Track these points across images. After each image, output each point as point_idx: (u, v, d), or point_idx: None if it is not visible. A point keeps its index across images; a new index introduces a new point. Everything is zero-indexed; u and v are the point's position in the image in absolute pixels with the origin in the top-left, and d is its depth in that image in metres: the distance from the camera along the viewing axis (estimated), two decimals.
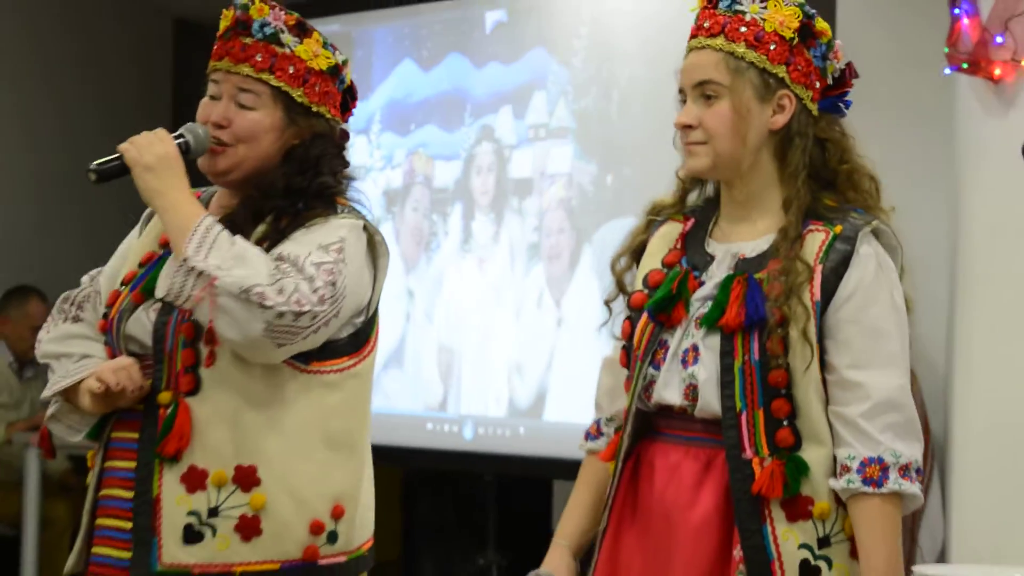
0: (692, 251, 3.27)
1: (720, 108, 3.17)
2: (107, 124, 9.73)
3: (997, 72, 5.24)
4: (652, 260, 3.30)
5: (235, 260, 3.27)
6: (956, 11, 5.49)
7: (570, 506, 3.46)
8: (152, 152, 3.41)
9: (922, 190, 6.25)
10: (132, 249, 3.65)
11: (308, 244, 3.40)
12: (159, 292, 3.31)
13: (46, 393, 3.58)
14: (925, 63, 5.84)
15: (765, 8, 3.20)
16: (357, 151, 7.66)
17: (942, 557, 6.16)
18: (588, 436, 3.45)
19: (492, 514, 6.99)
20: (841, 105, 3.27)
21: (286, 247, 3.39)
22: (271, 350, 3.32)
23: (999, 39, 5.22)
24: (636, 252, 3.36)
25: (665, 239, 3.32)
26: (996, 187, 5.32)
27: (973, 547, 5.44)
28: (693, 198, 3.37)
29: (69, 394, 3.51)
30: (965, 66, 5.43)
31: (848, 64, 3.27)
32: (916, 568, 2.90)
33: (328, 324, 3.39)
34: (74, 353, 3.55)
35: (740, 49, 3.17)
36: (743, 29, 3.18)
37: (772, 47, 3.18)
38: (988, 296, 5.52)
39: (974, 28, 5.40)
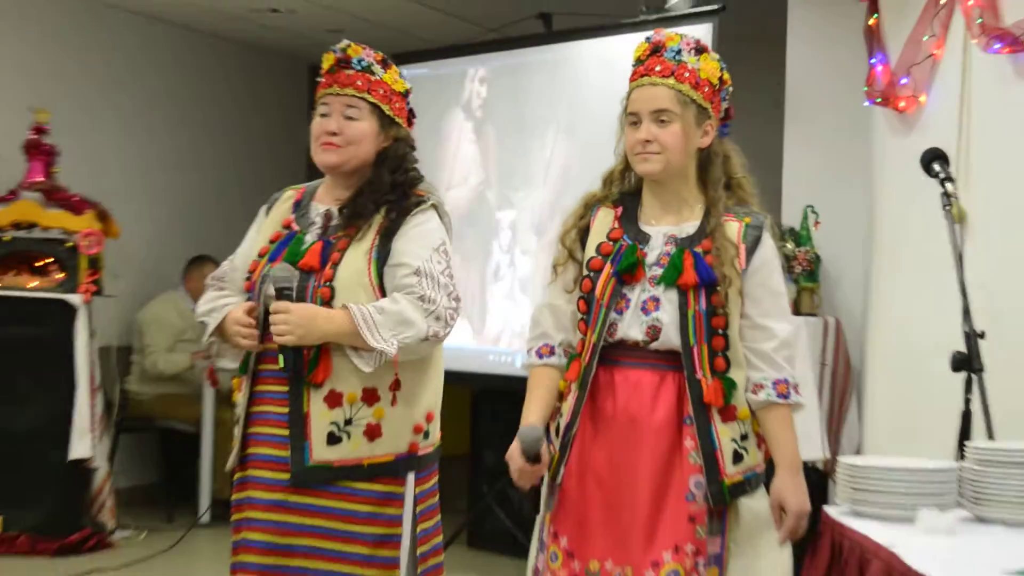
0: (630, 230, 3.38)
1: (673, 129, 3.31)
2: (255, 149, 9.88)
3: (902, 104, 5.23)
4: (599, 235, 3.41)
5: (399, 325, 3.42)
6: (872, 60, 5.52)
7: (532, 399, 3.43)
8: (304, 325, 3.43)
9: (848, 188, 6.25)
10: (261, 231, 3.74)
11: (424, 247, 3.53)
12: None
13: (205, 337, 3.70)
14: (851, 97, 5.86)
15: (699, 61, 3.36)
16: None
17: (857, 454, 6.21)
18: (540, 355, 3.46)
19: None
20: (725, 131, 3.44)
21: (408, 252, 3.52)
22: None
23: (903, 80, 5.22)
24: (582, 231, 3.45)
25: (604, 221, 3.43)
26: (899, 187, 5.34)
27: (880, 446, 5.52)
28: (615, 191, 3.48)
29: (222, 334, 3.63)
30: (879, 100, 5.44)
31: (730, 105, 3.45)
32: (841, 458, 2.97)
33: None
34: (219, 307, 3.65)
35: (686, 88, 3.32)
36: (687, 74, 3.33)
37: (706, 89, 3.35)
38: (890, 263, 5.55)
39: (885, 73, 5.42)
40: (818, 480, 5.78)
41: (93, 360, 7.36)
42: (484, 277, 7.39)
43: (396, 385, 3.52)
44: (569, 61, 7.20)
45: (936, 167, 3.75)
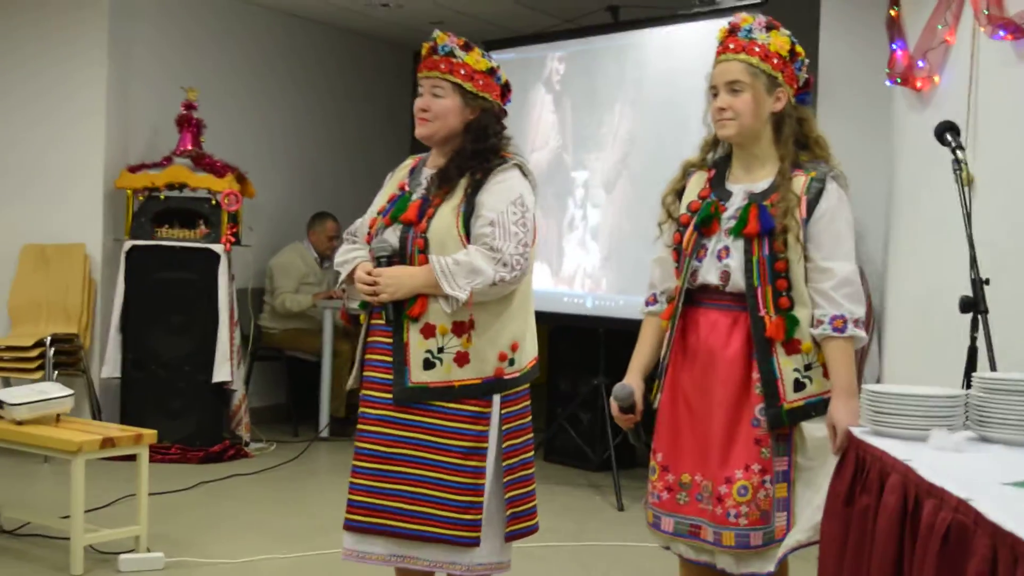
0: (717, 189, 3.35)
1: (744, 97, 3.25)
2: (365, 125, 9.91)
3: (919, 84, 5.16)
4: (691, 195, 3.39)
5: (470, 274, 3.47)
6: (893, 46, 5.44)
7: (638, 348, 3.49)
8: (392, 285, 3.53)
9: (872, 155, 6.17)
10: (384, 193, 3.78)
11: (502, 200, 3.55)
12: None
13: (338, 284, 3.80)
14: (875, 78, 5.79)
15: (769, 37, 3.29)
16: None
17: (878, 383, 6.18)
18: (647, 304, 3.51)
19: (602, 353, 7.02)
20: (805, 98, 3.36)
21: (488, 205, 3.54)
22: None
23: (920, 63, 5.15)
24: (678, 192, 3.43)
25: (697, 183, 3.41)
26: (916, 155, 5.29)
27: (897, 377, 5.48)
28: (710, 157, 3.44)
29: (351, 279, 3.68)
30: (899, 80, 5.37)
31: (809, 75, 3.37)
32: (864, 386, 2.94)
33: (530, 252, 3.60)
34: (350, 260, 3.71)
35: (755, 61, 3.26)
36: (756, 48, 3.27)
37: (775, 60, 3.27)
38: (908, 221, 5.48)
39: (904, 57, 5.35)
40: None
41: (232, 300, 7.46)
42: (560, 228, 7.37)
43: (475, 322, 3.54)
44: (633, 46, 7.14)
45: (948, 137, 3.70)
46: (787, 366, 3.21)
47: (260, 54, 8.98)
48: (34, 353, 7.10)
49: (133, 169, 7.54)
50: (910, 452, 2.52)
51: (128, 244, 7.40)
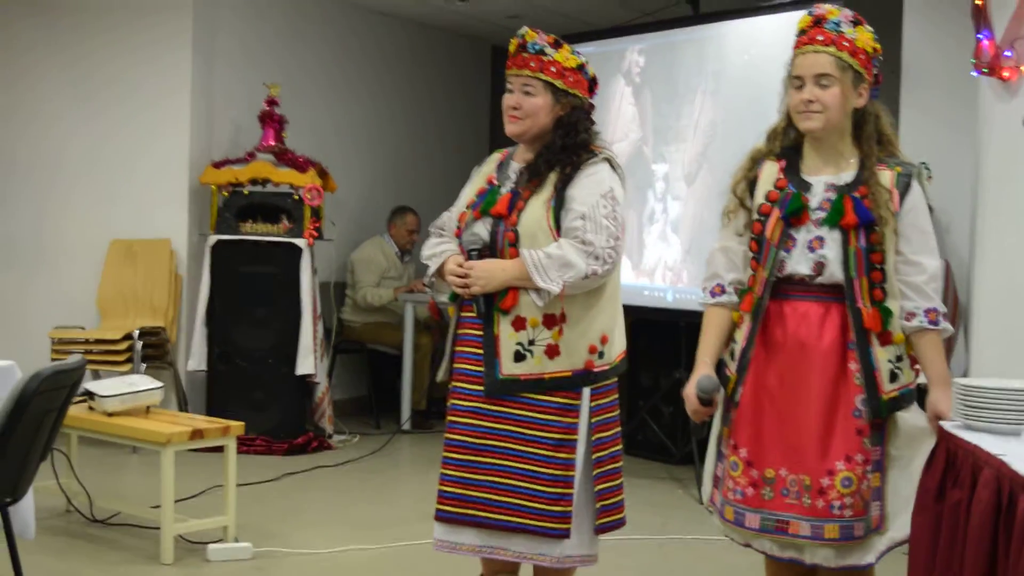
0: (793, 180, 3.30)
1: (834, 91, 3.21)
2: (444, 118, 9.95)
3: (1006, 74, 5.12)
4: (766, 184, 3.33)
5: (562, 268, 3.48)
6: (979, 36, 5.37)
7: (706, 339, 3.41)
8: (483, 278, 3.56)
9: (958, 146, 6.13)
10: (472, 186, 3.80)
11: (593, 193, 3.56)
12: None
13: (426, 277, 3.80)
14: (960, 68, 5.71)
15: (855, 32, 3.25)
16: None
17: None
18: (713, 294, 3.42)
19: (684, 345, 7.00)
20: (875, 93, 3.31)
21: (578, 198, 3.55)
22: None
23: (1007, 53, 5.11)
24: (750, 182, 3.37)
25: (770, 172, 3.35)
26: (1003, 145, 5.23)
27: (984, 372, 5.38)
28: (777, 146, 3.38)
29: (440, 273, 3.71)
30: (985, 71, 5.30)
31: (880, 71, 3.33)
32: (955, 380, 2.91)
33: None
34: (438, 253, 3.73)
35: (846, 56, 3.22)
36: (846, 43, 3.22)
37: (861, 57, 3.24)
38: (994, 213, 5.40)
39: (991, 47, 5.27)
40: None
41: (315, 293, 7.51)
42: (641, 221, 7.35)
43: (566, 315, 3.55)
44: (712, 38, 7.10)
45: None
46: (882, 357, 3.19)
47: (340, 49, 9.05)
48: (122, 346, 7.22)
49: (217, 165, 7.64)
50: (1003, 447, 2.49)
51: (213, 239, 7.51)
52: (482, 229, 3.62)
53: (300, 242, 7.42)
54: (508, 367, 3.55)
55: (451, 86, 10.06)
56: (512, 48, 3.68)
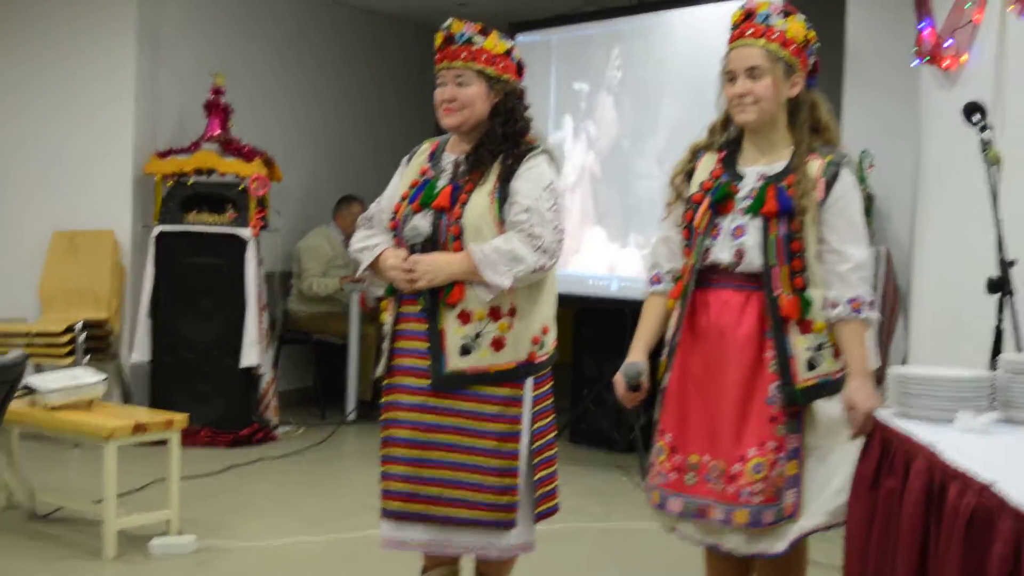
0: (729, 170, 3.35)
1: (765, 82, 3.26)
2: (391, 106, 9.92)
3: (946, 63, 5.16)
4: (702, 175, 3.38)
5: (512, 262, 3.48)
6: (920, 25, 5.43)
7: (642, 326, 3.50)
8: (430, 273, 3.53)
9: (899, 135, 6.18)
10: (403, 178, 3.77)
11: (536, 187, 3.55)
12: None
13: (360, 271, 3.76)
14: (901, 57, 5.76)
15: (786, 22, 3.29)
16: None
17: (904, 363, 6.16)
18: (651, 283, 3.50)
19: (629, 335, 6.98)
20: (813, 82, 3.36)
21: (522, 191, 3.55)
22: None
23: (948, 42, 5.15)
24: (688, 174, 3.42)
25: (707, 164, 3.40)
26: (943, 135, 5.27)
27: (923, 358, 5.44)
28: (719, 140, 3.43)
29: (374, 267, 3.68)
30: (926, 59, 5.36)
31: (816, 59, 3.36)
32: (890, 368, 2.94)
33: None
34: (371, 246, 3.70)
35: (775, 47, 3.27)
36: (775, 35, 3.27)
37: (792, 47, 3.28)
38: (934, 201, 5.47)
39: (931, 36, 5.33)
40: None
41: (260, 284, 7.48)
42: (584, 209, 7.37)
43: (513, 307, 3.55)
44: (657, 26, 7.15)
45: (975, 118, 3.68)
46: (800, 345, 3.22)
47: (286, 38, 9.00)
48: (65, 339, 7.14)
49: (162, 155, 7.57)
50: (936, 435, 2.52)
51: (157, 230, 7.43)
52: (423, 222, 3.59)
53: (245, 233, 7.36)
54: (454, 361, 3.54)
55: (398, 74, 10.02)
56: (439, 41, 3.67)
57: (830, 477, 3.18)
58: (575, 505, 5.71)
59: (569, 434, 7.48)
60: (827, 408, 3.22)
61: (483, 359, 3.54)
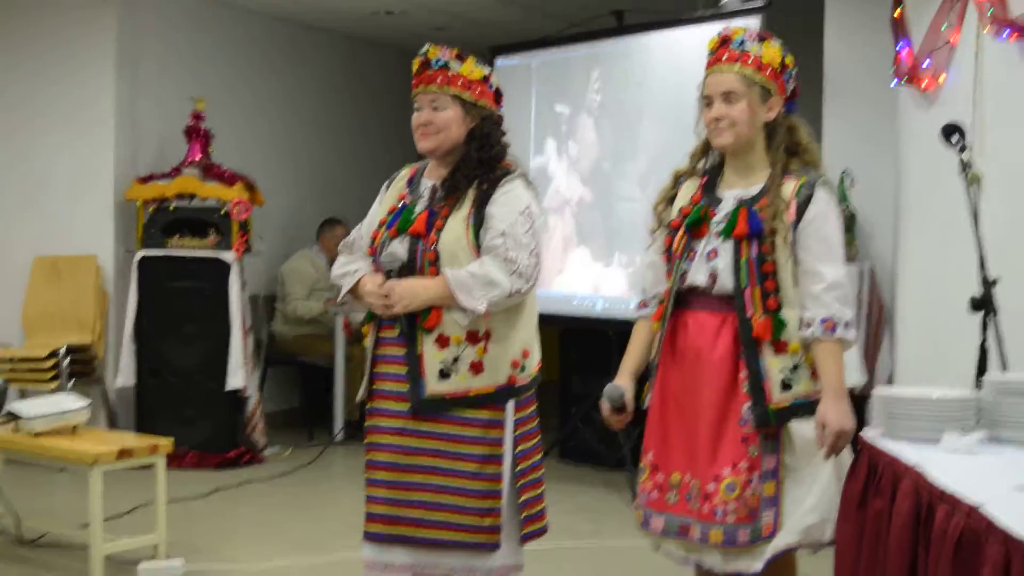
0: (708, 195, 3.38)
1: (741, 106, 3.29)
2: (373, 131, 9.93)
3: (924, 84, 5.19)
4: (682, 201, 3.42)
5: (487, 286, 3.48)
6: (898, 46, 5.45)
7: (629, 350, 3.54)
8: (406, 299, 3.52)
9: (880, 155, 6.20)
10: (383, 204, 3.78)
11: (512, 211, 3.56)
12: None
13: (340, 297, 3.75)
14: (880, 78, 5.79)
15: (761, 47, 3.32)
16: None
17: (889, 382, 6.17)
18: (639, 308, 3.55)
19: (614, 354, 6.96)
20: (792, 107, 3.39)
21: (498, 216, 3.55)
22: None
23: (925, 63, 5.17)
24: (670, 200, 3.47)
25: (689, 190, 3.44)
26: (923, 155, 5.28)
27: (908, 374, 5.49)
28: (701, 165, 3.47)
29: (354, 292, 3.68)
30: (904, 80, 5.39)
31: (797, 84, 3.40)
32: (876, 389, 2.94)
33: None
34: (351, 271, 3.70)
35: (750, 72, 3.30)
36: (750, 60, 3.30)
37: (768, 71, 3.31)
38: (916, 220, 5.48)
39: (909, 56, 5.35)
40: (856, 402, 5.75)
41: (244, 307, 7.47)
42: (566, 231, 7.39)
43: (487, 331, 3.55)
44: (637, 51, 7.17)
45: (954, 139, 3.70)
46: (774, 366, 3.23)
47: (267, 63, 9.01)
48: (48, 364, 7.11)
49: (143, 180, 7.55)
50: (922, 456, 2.53)
51: (140, 254, 7.42)
52: (399, 248, 3.60)
53: (228, 256, 7.35)
54: (433, 385, 3.54)
55: (378, 97, 10.03)
56: (415, 67, 3.68)
57: (804, 496, 3.19)
58: (565, 523, 5.69)
59: (558, 452, 7.48)
60: (804, 429, 3.22)
61: (462, 383, 3.54)
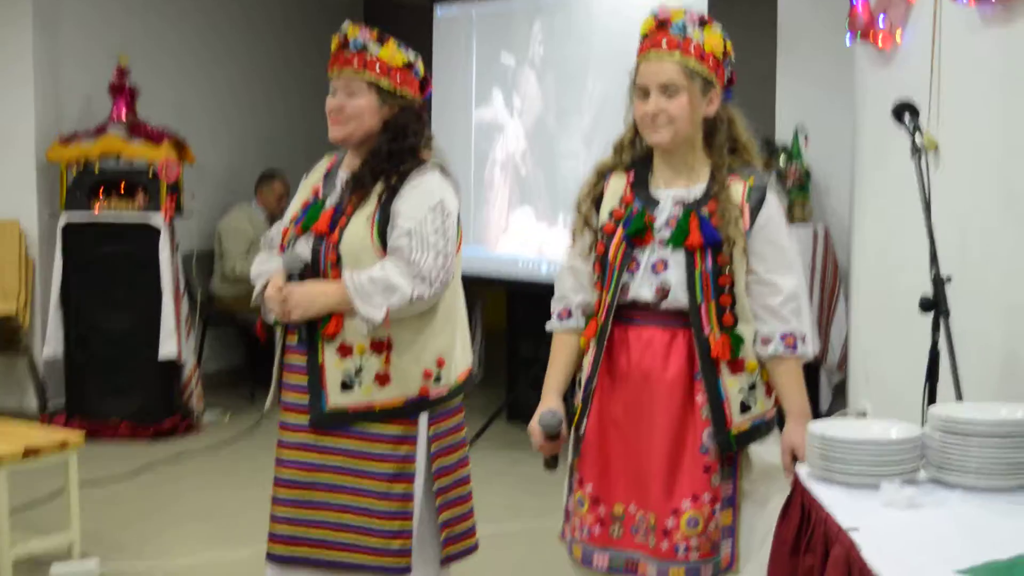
0: (640, 195, 3.06)
1: (681, 100, 2.96)
2: (314, 81, 9.54)
3: (880, 42, 4.96)
4: (612, 201, 3.09)
5: (386, 292, 3.19)
6: (853, 1, 5.20)
7: (553, 368, 3.22)
8: (303, 305, 3.28)
9: (835, 109, 6.03)
10: (297, 198, 3.53)
11: (420, 207, 3.26)
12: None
13: (253, 299, 3.50)
14: (836, 30, 5.53)
15: (703, 34, 2.99)
16: None
17: (844, 346, 6.01)
18: (560, 317, 3.20)
19: None
20: (729, 95, 3.10)
21: (404, 213, 3.26)
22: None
23: (881, 19, 4.94)
24: (595, 198, 3.12)
25: (616, 187, 3.10)
26: (879, 114, 5.03)
27: (863, 341, 5.33)
28: (626, 159, 3.13)
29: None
30: (859, 35, 5.16)
31: (733, 71, 3.08)
32: (811, 427, 2.65)
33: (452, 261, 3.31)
34: (263, 272, 3.45)
35: (692, 62, 2.97)
36: (692, 48, 2.96)
37: (711, 61, 2.99)
38: (871, 183, 5.28)
39: (865, 12, 5.12)
40: (809, 371, 5.57)
41: (177, 272, 7.18)
42: (511, 191, 7.11)
43: (390, 340, 3.30)
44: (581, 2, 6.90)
45: (906, 118, 3.42)
46: (732, 387, 2.99)
47: (199, 11, 8.63)
48: None
49: (65, 140, 7.21)
50: (858, 510, 2.29)
51: (64, 219, 7.11)
52: (304, 248, 3.35)
53: (157, 219, 7.04)
54: (335, 398, 3.32)
55: (321, 43, 9.55)
56: (334, 46, 3.41)
57: (756, 522, 2.99)
58: (508, 501, 5.58)
59: (507, 415, 7.29)
60: (762, 452, 3.02)
61: (365, 395, 3.31)
